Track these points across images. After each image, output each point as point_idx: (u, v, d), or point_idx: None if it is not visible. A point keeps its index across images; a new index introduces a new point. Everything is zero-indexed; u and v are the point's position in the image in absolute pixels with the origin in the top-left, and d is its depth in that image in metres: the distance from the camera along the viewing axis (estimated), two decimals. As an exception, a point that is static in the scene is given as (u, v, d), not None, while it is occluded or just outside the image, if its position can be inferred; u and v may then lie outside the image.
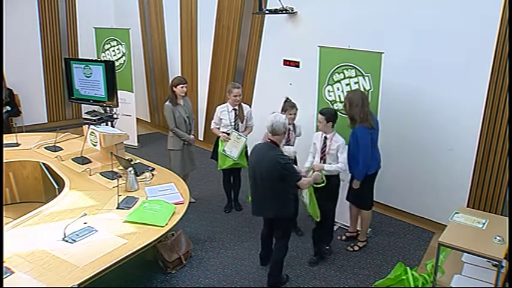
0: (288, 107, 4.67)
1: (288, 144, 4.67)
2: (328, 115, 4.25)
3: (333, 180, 4.31)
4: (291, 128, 4.72)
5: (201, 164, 6.88)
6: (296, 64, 6.04)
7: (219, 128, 5.23)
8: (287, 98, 4.76)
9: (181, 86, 5.18)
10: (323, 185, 4.16)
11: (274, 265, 4.06)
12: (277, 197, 3.80)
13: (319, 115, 4.30)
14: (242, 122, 5.20)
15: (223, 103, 5.27)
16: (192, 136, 5.36)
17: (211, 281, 4.20)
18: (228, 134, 5.14)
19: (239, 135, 5.08)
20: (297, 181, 3.81)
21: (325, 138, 4.32)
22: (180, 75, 7.78)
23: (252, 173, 3.87)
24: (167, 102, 5.21)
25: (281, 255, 4.04)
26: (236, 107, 5.16)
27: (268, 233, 4.19)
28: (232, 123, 5.14)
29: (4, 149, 4.95)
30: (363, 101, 4.26)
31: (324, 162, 4.32)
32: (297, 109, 4.72)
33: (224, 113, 5.15)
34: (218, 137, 5.23)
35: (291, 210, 3.94)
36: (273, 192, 3.78)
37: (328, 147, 4.29)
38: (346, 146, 4.35)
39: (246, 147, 5.13)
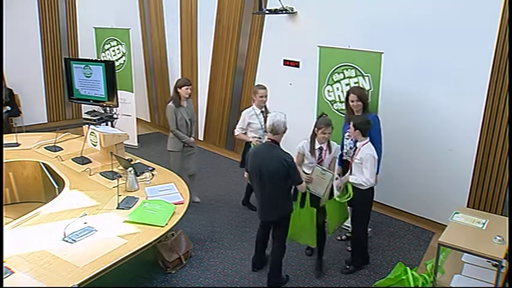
0: (323, 125, 4.08)
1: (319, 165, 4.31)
2: (356, 123, 4.03)
3: (362, 194, 4.10)
4: (323, 148, 4.20)
5: (201, 164, 6.88)
6: (296, 64, 6.04)
7: (245, 133, 5.10)
8: (322, 113, 4.24)
9: (186, 87, 5.15)
10: (348, 198, 4.12)
11: (273, 265, 4.06)
12: (283, 196, 3.83)
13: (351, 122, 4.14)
14: None
15: (248, 107, 5.17)
16: (192, 138, 5.33)
17: (211, 281, 4.20)
18: (260, 138, 5.01)
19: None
20: (299, 183, 3.82)
21: (356, 146, 4.14)
22: (182, 76, 7.79)
23: (257, 174, 3.79)
24: (170, 103, 5.17)
25: (280, 255, 4.05)
26: (263, 109, 5.06)
27: (265, 234, 4.19)
28: (263, 126, 4.96)
29: (4, 149, 4.95)
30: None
31: (351, 172, 4.15)
32: (332, 128, 4.13)
33: (253, 117, 5.03)
34: (247, 143, 5.10)
35: (291, 208, 3.96)
36: (281, 191, 3.79)
37: (354, 156, 4.12)
38: (374, 160, 4.03)
39: None
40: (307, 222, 4.12)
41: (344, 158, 4.57)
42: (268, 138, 3.82)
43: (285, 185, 3.77)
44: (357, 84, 4.66)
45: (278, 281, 4.10)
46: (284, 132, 3.79)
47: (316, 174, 4.14)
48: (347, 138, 4.48)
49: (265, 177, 3.75)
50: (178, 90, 5.15)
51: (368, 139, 4.08)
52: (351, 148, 4.47)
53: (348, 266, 4.35)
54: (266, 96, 5.02)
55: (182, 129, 5.21)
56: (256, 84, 5.13)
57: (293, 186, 3.90)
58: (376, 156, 4.05)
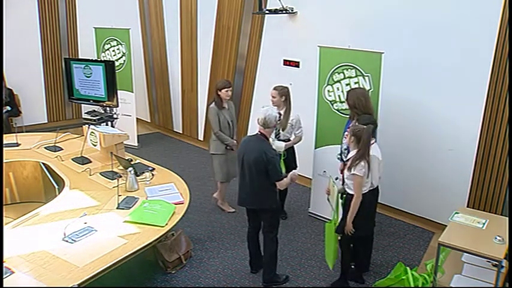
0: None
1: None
2: (363, 124, 3.83)
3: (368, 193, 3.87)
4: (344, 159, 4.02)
5: (201, 164, 6.88)
6: (296, 64, 6.04)
7: None
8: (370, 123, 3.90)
9: (225, 89, 5.03)
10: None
11: (267, 260, 4.08)
12: (262, 188, 3.86)
13: None
14: (283, 130, 4.87)
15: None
16: (235, 141, 5.22)
17: (211, 281, 4.20)
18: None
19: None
20: (278, 180, 3.83)
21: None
22: (183, 76, 7.79)
23: (240, 163, 3.92)
24: (212, 105, 5.11)
25: (273, 250, 4.05)
26: (281, 112, 4.74)
27: (254, 231, 4.19)
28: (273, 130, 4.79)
29: (4, 149, 4.95)
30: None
31: None
32: (354, 136, 3.84)
33: None
34: None
35: (275, 202, 3.97)
36: (259, 183, 3.83)
37: None
38: (377, 161, 3.88)
39: (284, 155, 4.86)
40: (329, 235, 4.07)
41: (339, 156, 4.58)
42: (259, 131, 3.88)
43: (264, 179, 3.81)
44: (357, 85, 4.66)
45: (272, 278, 4.11)
46: (274, 126, 3.90)
47: (331, 184, 4.04)
48: (345, 138, 4.46)
49: (246, 166, 3.86)
50: (219, 92, 5.05)
51: (375, 140, 3.99)
52: (345, 149, 4.45)
53: (352, 266, 4.34)
54: (274, 97, 4.84)
55: (225, 131, 5.12)
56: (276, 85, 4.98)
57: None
58: (380, 158, 3.94)
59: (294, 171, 4.05)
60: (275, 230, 4.05)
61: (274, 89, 4.90)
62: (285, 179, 3.86)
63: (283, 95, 4.87)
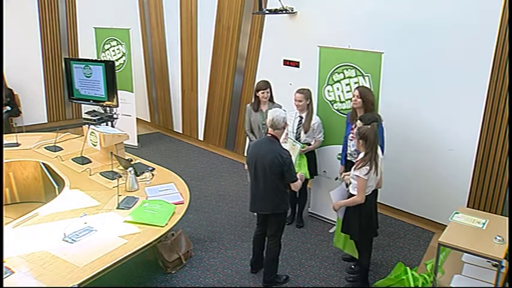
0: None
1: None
2: (365, 121, 3.78)
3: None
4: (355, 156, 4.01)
5: (201, 164, 6.89)
6: (296, 64, 6.04)
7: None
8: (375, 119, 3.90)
9: (261, 91, 4.87)
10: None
11: (268, 263, 4.07)
12: (276, 191, 3.83)
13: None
14: (305, 133, 4.77)
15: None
16: None
17: (211, 281, 4.20)
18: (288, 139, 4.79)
19: (294, 141, 4.70)
20: (293, 181, 3.81)
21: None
22: (183, 76, 7.79)
23: (253, 167, 3.85)
24: (248, 104, 5.09)
25: (275, 254, 4.04)
26: (303, 115, 4.78)
27: (262, 233, 4.15)
28: (294, 132, 4.80)
29: (4, 149, 4.96)
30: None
31: None
32: (361, 139, 3.76)
33: (290, 118, 4.67)
34: None
35: (286, 206, 3.96)
36: (274, 185, 3.80)
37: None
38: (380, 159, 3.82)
39: (304, 157, 4.78)
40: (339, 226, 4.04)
41: (348, 158, 4.56)
42: (269, 133, 3.85)
43: (278, 182, 3.78)
44: (357, 85, 4.65)
45: (272, 279, 4.10)
46: (284, 127, 3.84)
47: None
48: (351, 139, 4.44)
49: (259, 170, 3.80)
50: (257, 94, 4.94)
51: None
52: (355, 150, 4.43)
53: (352, 266, 4.34)
54: (301, 101, 4.71)
55: (254, 132, 5.03)
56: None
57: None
58: (382, 156, 3.92)
59: (300, 172, 4.04)
60: (279, 234, 4.04)
61: (300, 92, 4.76)
62: (298, 180, 3.86)
63: (308, 98, 4.77)
